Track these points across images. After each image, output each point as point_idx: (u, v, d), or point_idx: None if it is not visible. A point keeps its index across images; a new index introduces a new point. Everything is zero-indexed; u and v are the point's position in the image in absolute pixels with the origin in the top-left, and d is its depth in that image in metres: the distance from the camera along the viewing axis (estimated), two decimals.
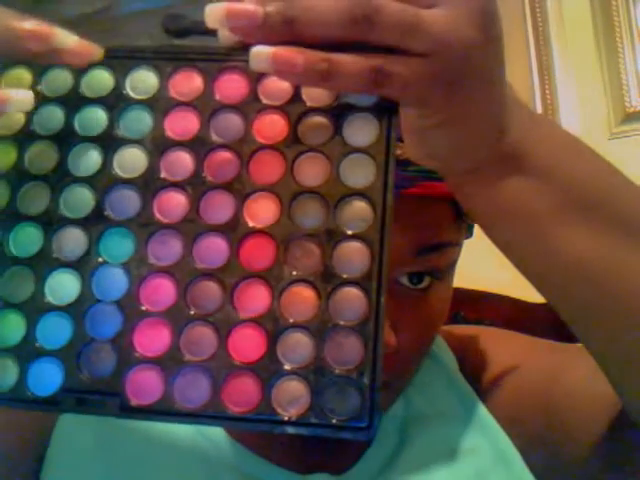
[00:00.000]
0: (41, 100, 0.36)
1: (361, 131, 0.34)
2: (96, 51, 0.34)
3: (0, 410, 0.45)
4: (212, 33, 0.34)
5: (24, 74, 0.37)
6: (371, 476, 0.51)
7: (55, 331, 0.33)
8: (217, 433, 0.51)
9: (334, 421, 0.30)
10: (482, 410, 0.55)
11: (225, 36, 0.34)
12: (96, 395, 0.32)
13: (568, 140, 0.39)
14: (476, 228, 0.49)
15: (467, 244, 0.52)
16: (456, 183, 0.38)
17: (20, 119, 0.36)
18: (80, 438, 0.49)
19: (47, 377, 0.32)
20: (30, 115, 0.36)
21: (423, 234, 0.46)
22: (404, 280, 0.47)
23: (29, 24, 0.32)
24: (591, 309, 0.39)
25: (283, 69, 0.31)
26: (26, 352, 0.33)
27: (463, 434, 0.54)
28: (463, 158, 0.36)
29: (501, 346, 0.59)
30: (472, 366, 0.58)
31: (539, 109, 1.41)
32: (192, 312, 0.32)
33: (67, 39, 0.33)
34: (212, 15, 0.32)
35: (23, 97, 0.34)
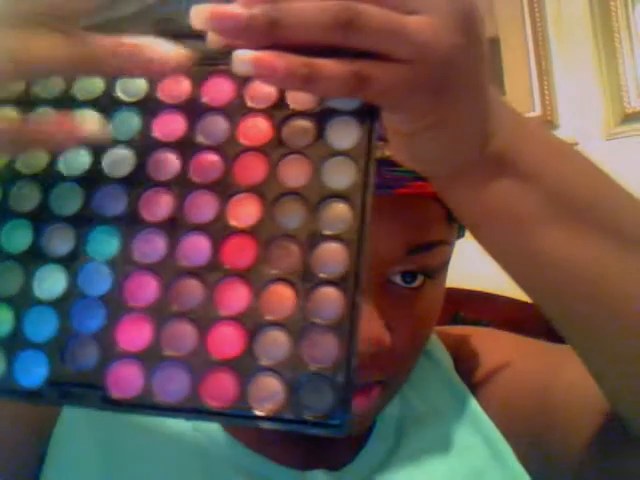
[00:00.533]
0: (36, 102, 0.37)
1: (343, 134, 0.35)
2: (185, 57, 0.34)
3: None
4: (202, 37, 0.35)
5: None
6: (368, 472, 0.52)
7: (42, 325, 0.34)
8: (214, 429, 0.52)
9: (308, 417, 0.31)
10: (477, 409, 0.56)
11: (213, 40, 0.35)
12: (79, 388, 0.33)
13: (555, 144, 0.40)
14: None
15: (466, 244, 0.53)
16: (442, 185, 0.39)
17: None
18: (80, 436, 0.50)
19: (33, 369, 0.33)
20: (24, 117, 0.37)
21: (414, 233, 0.47)
22: (397, 279, 0.48)
23: (117, 42, 0.32)
24: (576, 311, 0.39)
25: (264, 73, 0.32)
26: (14, 344, 0.34)
27: (458, 432, 0.55)
28: (448, 161, 0.37)
29: (495, 345, 0.60)
30: (466, 365, 0.59)
31: (538, 110, 1.42)
32: (173, 309, 0.33)
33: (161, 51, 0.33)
34: (197, 16, 0.33)
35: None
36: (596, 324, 0.39)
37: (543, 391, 0.53)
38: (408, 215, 0.46)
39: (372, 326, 0.45)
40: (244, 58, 0.32)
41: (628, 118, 1.38)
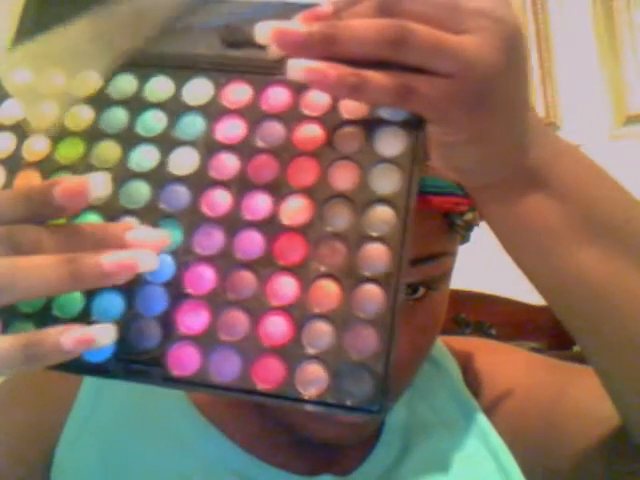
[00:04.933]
0: (108, 102, 0.41)
1: (391, 143, 0.38)
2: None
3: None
4: (264, 46, 0.38)
5: (93, 76, 0.41)
6: (375, 478, 0.53)
7: (109, 307, 0.37)
8: (220, 438, 0.53)
9: (349, 403, 0.34)
10: (484, 421, 0.57)
11: (273, 51, 0.38)
12: (142, 365, 0.36)
13: (590, 166, 0.42)
14: (474, 232, 0.51)
15: (468, 247, 0.54)
16: (478, 197, 0.41)
17: (89, 118, 0.41)
18: (84, 451, 0.52)
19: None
20: (98, 114, 0.41)
21: (416, 246, 0.47)
22: None
23: None
24: (598, 327, 0.41)
25: (316, 79, 0.35)
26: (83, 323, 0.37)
27: (465, 444, 0.56)
28: (483, 173, 0.39)
29: (505, 362, 0.61)
30: (475, 378, 0.60)
31: (541, 112, 1.43)
32: (229, 297, 0.36)
33: None
34: (261, 32, 0.36)
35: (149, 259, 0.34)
36: (618, 341, 0.41)
37: (550, 406, 0.54)
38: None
39: None
40: (298, 66, 0.35)
41: (630, 120, 1.38)
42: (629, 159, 1.27)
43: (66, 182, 0.34)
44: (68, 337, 0.32)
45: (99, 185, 0.35)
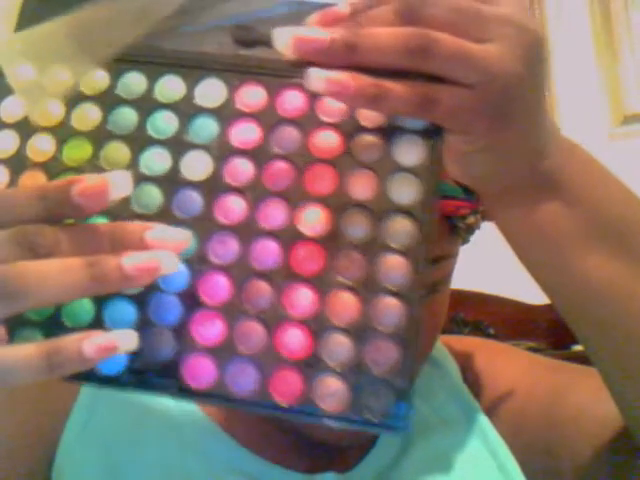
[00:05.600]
0: (117, 102, 0.39)
1: (409, 152, 0.37)
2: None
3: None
4: None
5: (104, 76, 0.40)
6: (375, 475, 0.54)
7: (121, 316, 0.36)
8: (225, 439, 0.53)
9: (369, 418, 0.34)
10: (485, 422, 0.58)
11: (288, 53, 0.37)
12: (157, 377, 0.35)
13: (603, 172, 0.42)
14: (475, 233, 0.51)
15: (466, 247, 0.54)
16: (492, 202, 0.41)
17: (97, 118, 0.39)
18: (85, 453, 0.51)
19: (114, 357, 0.36)
20: (106, 115, 0.39)
21: None
22: None
23: None
24: (604, 329, 0.42)
25: (336, 90, 0.34)
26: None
27: (465, 443, 0.56)
28: (500, 180, 0.39)
29: (504, 363, 0.61)
30: (475, 379, 0.61)
31: None
32: (245, 308, 0.36)
33: None
34: (280, 39, 0.35)
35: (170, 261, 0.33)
36: (622, 343, 0.41)
37: (551, 406, 0.55)
38: None
39: None
40: (318, 76, 0.34)
41: (628, 120, 1.39)
42: (627, 158, 1.28)
43: (86, 181, 0.32)
44: (90, 344, 0.31)
45: (120, 184, 0.33)
